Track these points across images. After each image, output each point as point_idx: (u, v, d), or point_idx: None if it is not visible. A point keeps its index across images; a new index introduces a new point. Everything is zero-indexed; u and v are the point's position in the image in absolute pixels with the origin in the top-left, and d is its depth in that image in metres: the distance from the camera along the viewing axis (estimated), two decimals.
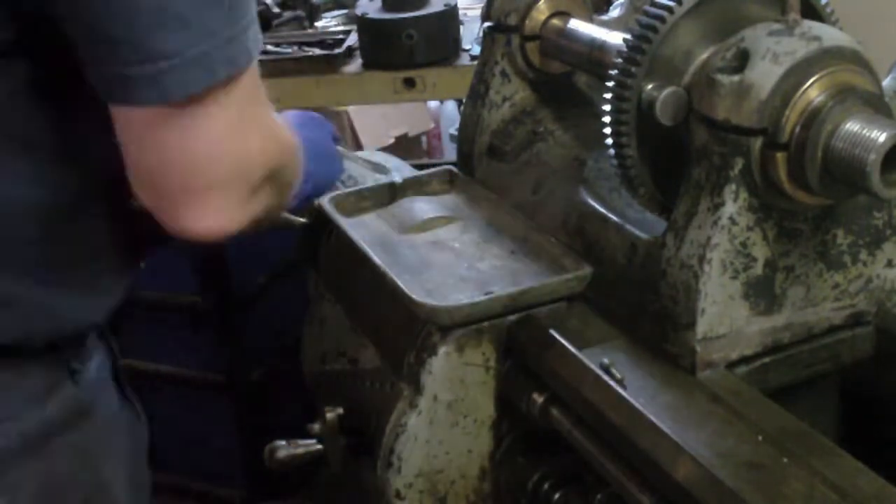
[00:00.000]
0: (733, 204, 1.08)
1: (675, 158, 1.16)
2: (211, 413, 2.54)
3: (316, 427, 1.37)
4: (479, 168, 1.58)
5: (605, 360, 1.12)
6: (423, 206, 1.53)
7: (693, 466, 0.97)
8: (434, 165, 1.66)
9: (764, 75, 1.04)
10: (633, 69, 1.15)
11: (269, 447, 1.38)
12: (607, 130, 1.19)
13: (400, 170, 1.69)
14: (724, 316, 1.11)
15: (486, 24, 1.56)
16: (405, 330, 1.29)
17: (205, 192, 0.98)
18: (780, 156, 1.05)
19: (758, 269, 1.11)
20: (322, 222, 1.54)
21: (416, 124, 4.20)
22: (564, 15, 1.49)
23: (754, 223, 1.10)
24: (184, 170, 0.97)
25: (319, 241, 1.58)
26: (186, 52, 0.91)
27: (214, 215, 0.99)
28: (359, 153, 1.85)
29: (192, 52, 0.91)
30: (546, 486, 1.25)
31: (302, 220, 1.58)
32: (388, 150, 3.07)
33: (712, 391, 1.08)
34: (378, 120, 3.73)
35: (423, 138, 4.34)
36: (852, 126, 1.00)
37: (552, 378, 1.18)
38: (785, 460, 0.96)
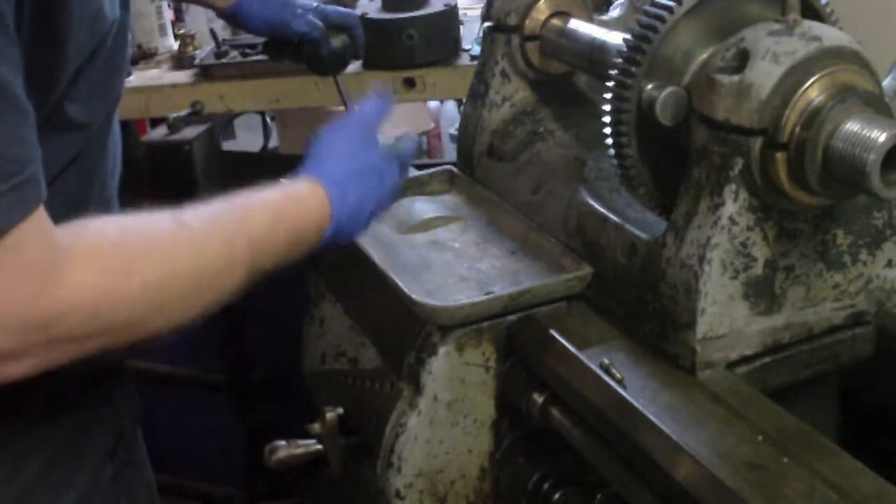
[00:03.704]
0: (733, 204, 1.08)
1: (675, 158, 1.16)
2: (211, 413, 2.54)
3: (316, 427, 1.37)
4: (479, 168, 1.58)
5: (605, 360, 1.12)
6: (423, 206, 1.53)
7: (693, 466, 0.97)
8: (434, 165, 1.66)
9: (764, 75, 1.04)
10: (633, 69, 1.15)
11: (269, 447, 1.38)
12: (607, 130, 1.19)
13: None
14: (724, 316, 1.11)
15: (486, 24, 1.56)
16: (405, 330, 1.29)
17: None
18: (780, 156, 1.05)
19: (758, 269, 1.11)
20: None
21: (416, 124, 4.20)
22: (564, 15, 1.49)
23: (754, 223, 1.10)
24: None
25: None
26: None
27: None
28: None
29: None
30: (546, 486, 1.25)
31: None
32: None
33: (712, 391, 1.08)
34: None
35: (423, 138, 4.34)
36: (852, 126, 1.00)
37: (552, 378, 1.18)
38: (785, 460, 0.96)
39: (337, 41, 1.84)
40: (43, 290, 0.92)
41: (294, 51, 1.85)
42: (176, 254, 1.02)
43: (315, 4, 1.83)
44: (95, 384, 1.24)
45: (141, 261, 0.99)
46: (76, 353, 0.98)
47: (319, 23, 1.78)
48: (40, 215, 0.92)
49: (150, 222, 1.03)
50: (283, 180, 1.20)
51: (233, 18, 1.83)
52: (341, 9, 1.90)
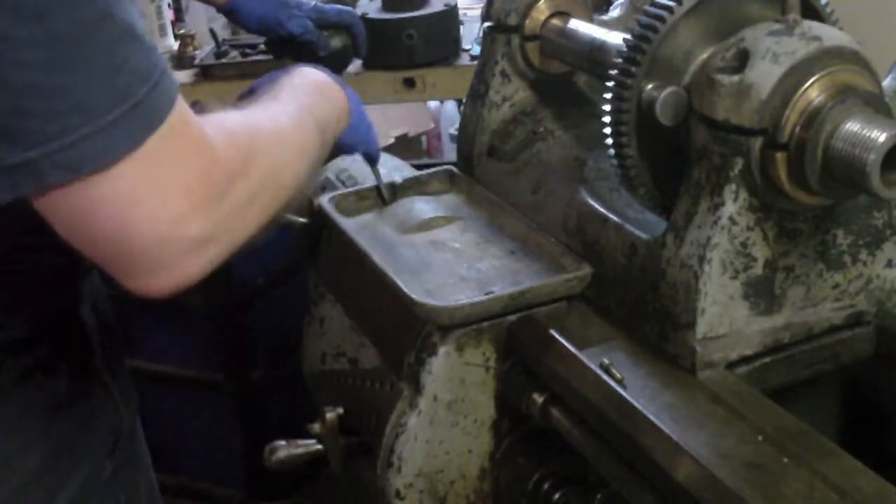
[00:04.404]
0: (733, 204, 1.08)
1: (675, 158, 1.16)
2: (211, 413, 2.54)
3: (316, 427, 1.37)
4: (479, 168, 1.58)
5: (605, 360, 1.12)
6: (423, 206, 1.53)
7: (693, 466, 0.97)
8: (434, 165, 1.66)
9: (764, 75, 1.04)
10: (633, 69, 1.15)
11: (269, 447, 1.38)
12: (607, 130, 1.19)
13: (400, 170, 1.69)
14: (724, 316, 1.11)
15: (486, 24, 1.56)
16: (405, 330, 1.29)
17: (137, 258, 0.94)
18: (780, 156, 1.05)
19: (758, 269, 1.11)
20: (322, 222, 1.54)
21: (416, 124, 4.20)
22: (564, 15, 1.49)
23: (754, 223, 1.10)
24: (105, 241, 0.94)
25: (319, 241, 1.58)
26: (75, 132, 0.87)
27: (157, 278, 0.96)
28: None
29: (80, 133, 0.87)
30: (546, 486, 1.25)
31: (302, 220, 1.58)
32: (388, 150, 3.07)
33: (712, 391, 1.08)
34: (378, 120, 3.72)
35: (423, 138, 4.34)
36: (852, 126, 1.00)
37: (552, 378, 1.18)
38: (785, 460, 0.96)
39: (337, 41, 1.85)
40: (211, 165, 0.96)
41: (294, 50, 1.86)
42: (272, 113, 1.15)
43: (313, 4, 1.83)
44: (94, 382, 1.24)
45: (254, 122, 1.10)
46: (246, 229, 1.03)
47: (312, 25, 1.79)
48: (181, 98, 0.96)
49: (234, 109, 1.14)
50: None
51: (231, 15, 1.85)
52: (340, 7, 1.91)
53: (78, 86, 0.87)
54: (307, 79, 1.31)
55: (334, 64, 1.89)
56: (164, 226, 0.92)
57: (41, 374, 1.16)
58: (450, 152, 4.00)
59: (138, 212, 0.91)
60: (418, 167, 1.73)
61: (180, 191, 0.93)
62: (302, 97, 1.23)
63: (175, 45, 2.86)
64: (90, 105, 0.87)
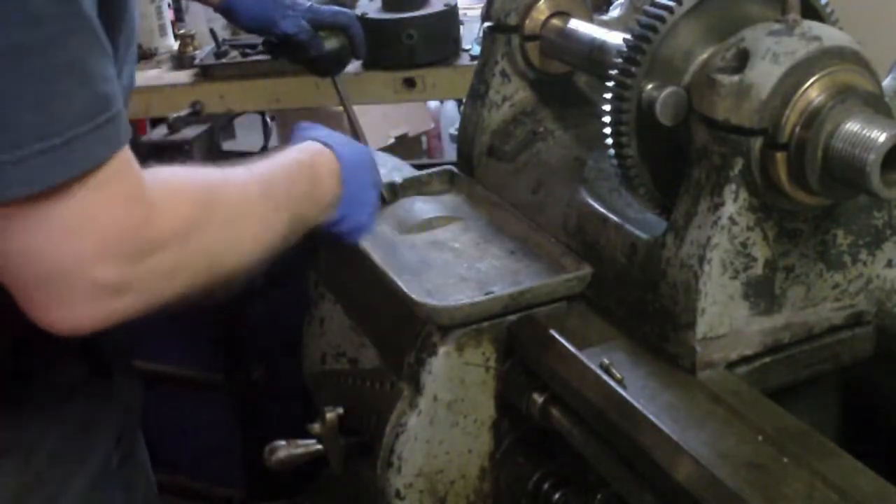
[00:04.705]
0: (733, 204, 1.08)
1: (675, 158, 1.16)
2: (211, 413, 2.54)
3: (316, 427, 1.37)
4: (479, 168, 1.58)
5: (605, 360, 1.12)
6: (423, 206, 1.53)
7: (693, 466, 0.97)
8: (434, 165, 1.66)
9: (764, 75, 1.04)
10: (633, 69, 1.15)
11: (269, 447, 1.38)
12: (607, 130, 1.19)
13: (400, 170, 1.69)
14: (724, 316, 1.11)
15: (486, 24, 1.56)
16: (405, 330, 1.29)
17: (40, 286, 0.94)
18: (780, 156, 1.05)
19: (758, 269, 1.11)
20: None
21: (416, 124, 4.21)
22: (564, 15, 1.49)
23: (754, 223, 1.10)
24: (13, 263, 0.93)
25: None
26: None
27: (59, 313, 0.95)
28: None
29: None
30: (546, 486, 1.25)
31: None
32: (387, 150, 3.07)
33: (712, 391, 1.08)
34: (378, 120, 3.73)
35: (423, 138, 4.35)
36: (852, 126, 1.00)
37: (552, 378, 1.18)
38: (785, 460, 0.96)
39: (333, 42, 1.84)
40: (139, 222, 0.95)
41: (289, 50, 1.86)
42: (243, 190, 1.12)
43: (309, 4, 1.83)
44: (98, 375, 1.25)
45: (216, 195, 1.07)
46: (167, 292, 1.01)
47: (307, 25, 1.79)
48: (127, 152, 0.95)
49: (206, 170, 1.11)
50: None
51: (226, 14, 1.85)
52: (335, 8, 1.90)
53: (2, 109, 0.86)
54: (304, 157, 1.27)
55: (330, 65, 1.88)
56: (69, 260, 0.91)
57: (44, 372, 1.17)
58: (450, 152, 4.00)
59: (47, 243, 0.91)
60: (418, 167, 1.73)
61: (94, 236, 0.92)
62: (287, 182, 1.20)
63: (175, 45, 2.86)
64: (10, 132, 0.87)
